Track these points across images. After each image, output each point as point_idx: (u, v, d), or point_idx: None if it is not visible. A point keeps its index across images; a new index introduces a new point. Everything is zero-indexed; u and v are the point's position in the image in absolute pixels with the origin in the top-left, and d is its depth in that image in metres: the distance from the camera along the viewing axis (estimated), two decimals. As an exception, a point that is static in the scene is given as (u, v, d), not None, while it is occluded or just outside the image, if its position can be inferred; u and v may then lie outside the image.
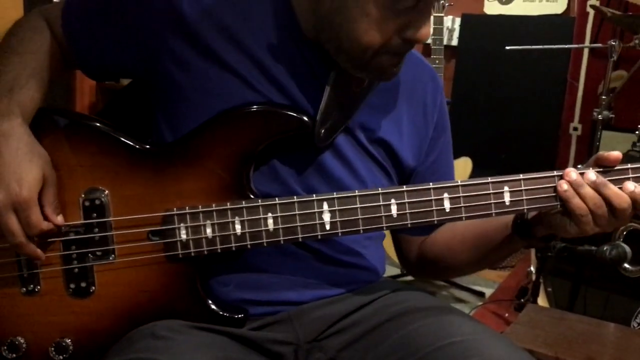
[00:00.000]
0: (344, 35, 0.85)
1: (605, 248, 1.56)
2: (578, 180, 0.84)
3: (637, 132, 2.27)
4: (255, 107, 0.90)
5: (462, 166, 2.95)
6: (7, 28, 0.96)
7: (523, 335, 1.55)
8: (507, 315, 2.43)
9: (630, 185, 0.84)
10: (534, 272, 2.30)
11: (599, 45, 2.83)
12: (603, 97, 2.49)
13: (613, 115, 2.47)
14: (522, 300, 2.42)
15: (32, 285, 0.88)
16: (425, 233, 1.07)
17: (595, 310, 2.06)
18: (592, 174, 0.85)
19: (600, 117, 2.45)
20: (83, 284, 0.88)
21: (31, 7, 2.06)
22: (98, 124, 0.92)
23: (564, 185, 0.85)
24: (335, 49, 0.88)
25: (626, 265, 1.97)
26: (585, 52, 3.17)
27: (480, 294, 2.78)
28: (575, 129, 3.26)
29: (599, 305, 2.08)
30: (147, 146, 0.91)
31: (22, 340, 0.88)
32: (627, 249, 1.53)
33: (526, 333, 1.56)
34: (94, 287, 0.88)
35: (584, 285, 2.13)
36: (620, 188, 0.84)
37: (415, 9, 0.82)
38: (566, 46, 3.01)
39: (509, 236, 0.94)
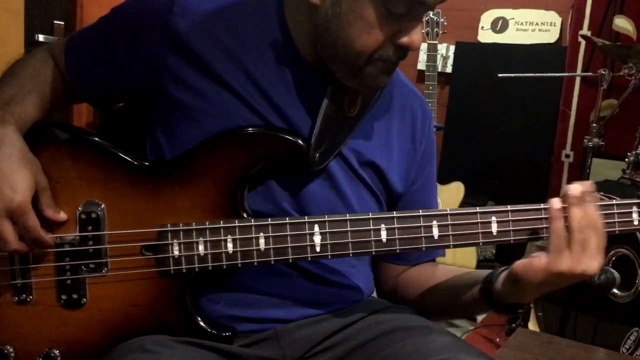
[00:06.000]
0: (340, 42, 0.87)
1: (594, 273, 1.57)
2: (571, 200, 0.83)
3: (626, 160, 2.30)
4: (252, 129, 0.92)
5: (455, 191, 2.97)
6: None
7: (511, 359, 1.55)
8: (498, 339, 2.44)
9: None
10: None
11: (589, 74, 2.88)
12: (593, 125, 2.54)
13: (603, 143, 2.51)
14: (514, 324, 2.43)
15: (24, 295, 0.89)
16: (408, 262, 1.07)
17: (586, 336, 2.06)
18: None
19: (590, 144, 2.48)
20: (75, 296, 0.89)
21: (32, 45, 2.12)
22: (98, 139, 0.93)
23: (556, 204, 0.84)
24: (331, 57, 0.90)
25: (615, 290, 1.98)
26: (578, 80, 3.21)
27: (473, 318, 2.78)
28: (567, 156, 3.29)
29: (589, 331, 2.08)
30: (146, 163, 0.93)
31: (11, 349, 0.88)
32: (616, 274, 1.53)
33: (514, 357, 1.56)
34: (85, 299, 0.89)
35: (574, 310, 2.14)
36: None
37: (407, 16, 0.85)
38: (556, 75, 3.05)
39: (476, 294, 0.94)
